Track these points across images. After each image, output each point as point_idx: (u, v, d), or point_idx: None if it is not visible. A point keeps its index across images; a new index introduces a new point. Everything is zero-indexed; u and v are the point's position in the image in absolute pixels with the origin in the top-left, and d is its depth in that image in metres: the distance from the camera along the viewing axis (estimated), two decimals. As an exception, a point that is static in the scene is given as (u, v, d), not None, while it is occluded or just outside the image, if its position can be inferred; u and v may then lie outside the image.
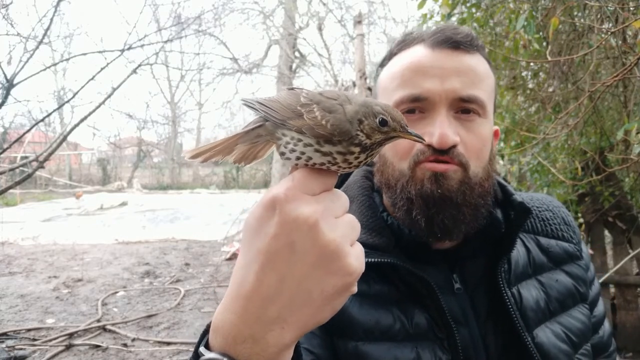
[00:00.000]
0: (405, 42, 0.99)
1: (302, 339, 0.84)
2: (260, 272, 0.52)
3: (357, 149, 0.56)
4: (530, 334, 0.93)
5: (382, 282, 0.96)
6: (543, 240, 1.06)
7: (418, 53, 0.95)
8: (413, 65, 0.94)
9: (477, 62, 0.95)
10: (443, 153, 0.90)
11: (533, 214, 1.08)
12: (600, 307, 1.11)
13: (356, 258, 0.54)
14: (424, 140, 0.62)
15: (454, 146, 0.90)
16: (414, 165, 0.92)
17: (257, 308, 0.52)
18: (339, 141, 0.55)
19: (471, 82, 0.92)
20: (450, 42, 0.93)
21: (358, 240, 0.92)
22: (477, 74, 0.94)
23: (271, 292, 0.52)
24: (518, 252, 1.02)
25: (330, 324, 0.91)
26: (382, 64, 1.04)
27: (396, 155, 0.96)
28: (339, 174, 0.59)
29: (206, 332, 0.58)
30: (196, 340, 0.60)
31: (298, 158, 0.56)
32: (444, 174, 0.90)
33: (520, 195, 1.11)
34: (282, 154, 0.58)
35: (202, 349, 0.56)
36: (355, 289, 0.55)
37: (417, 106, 0.93)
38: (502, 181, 1.08)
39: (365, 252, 0.90)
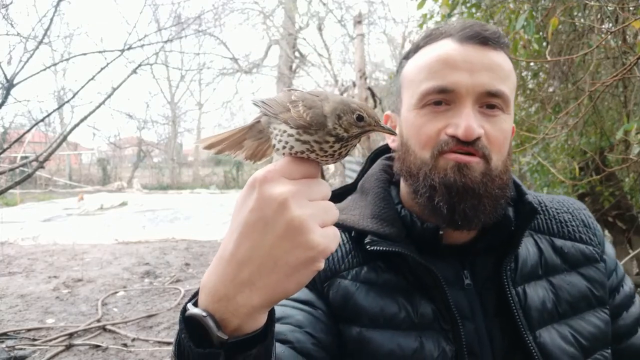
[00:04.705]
0: (432, 36, 1.00)
1: (305, 323, 0.91)
2: (238, 240, 0.60)
3: (331, 139, 0.64)
4: (532, 334, 0.93)
5: (391, 271, 0.98)
6: (558, 242, 1.05)
7: (446, 47, 0.96)
8: (442, 58, 0.95)
9: (503, 59, 0.96)
10: (467, 144, 0.91)
11: (550, 215, 1.09)
12: (635, 308, 1.09)
13: (322, 236, 0.59)
14: (395, 133, 0.74)
15: (478, 138, 0.92)
16: (437, 154, 0.94)
17: (232, 270, 0.60)
18: (315, 131, 0.64)
19: (498, 78, 0.94)
20: (479, 37, 0.94)
21: (369, 230, 1.00)
22: (504, 70, 0.95)
23: (245, 257, 0.59)
24: (528, 252, 1.02)
25: (337, 310, 0.97)
26: (407, 57, 1.05)
27: (419, 143, 0.97)
28: (321, 164, 0.66)
29: (197, 293, 0.65)
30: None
31: (284, 147, 0.65)
32: (468, 164, 0.92)
33: (539, 197, 1.11)
34: (273, 146, 0.68)
35: (189, 305, 0.63)
36: (320, 265, 0.60)
37: (444, 98, 0.94)
38: (517, 180, 1.09)
39: (376, 241, 0.98)
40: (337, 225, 1.05)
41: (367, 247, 0.97)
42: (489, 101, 0.94)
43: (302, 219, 0.58)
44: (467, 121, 0.90)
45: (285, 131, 0.65)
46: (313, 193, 0.61)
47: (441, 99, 0.94)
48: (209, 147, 0.73)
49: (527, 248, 1.02)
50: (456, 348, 0.91)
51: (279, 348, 0.84)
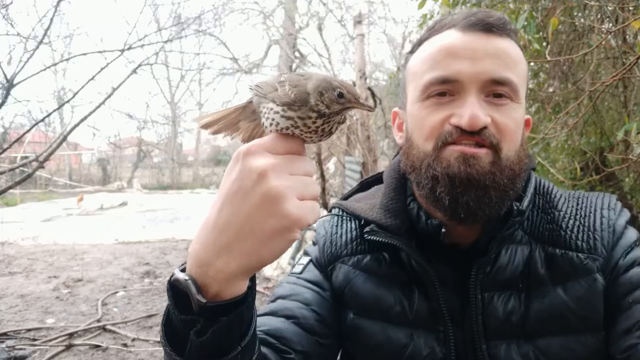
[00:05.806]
0: (436, 28, 0.97)
1: (312, 301, 0.96)
2: (220, 207, 0.64)
3: (314, 115, 0.67)
4: (486, 342, 0.89)
5: (394, 264, 0.98)
6: (552, 251, 0.94)
7: (449, 37, 0.93)
8: (444, 48, 0.92)
9: (509, 46, 0.92)
10: (473, 134, 0.87)
11: (554, 218, 0.97)
12: None
13: (297, 207, 0.61)
14: (373, 109, 0.79)
15: (485, 127, 0.87)
16: (441, 146, 0.89)
17: (214, 236, 0.63)
18: (299, 107, 0.67)
19: (504, 65, 0.89)
20: (483, 24, 0.90)
21: (372, 219, 1.01)
22: (510, 57, 0.91)
23: (224, 224, 0.63)
24: (512, 261, 0.93)
25: (337, 294, 1.00)
26: (412, 51, 1.02)
27: (422, 135, 0.93)
28: (308, 141, 0.69)
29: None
30: None
31: (270, 124, 0.69)
32: (475, 155, 0.87)
33: (562, 194, 1.02)
34: (262, 124, 0.71)
35: (175, 270, 0.67)
36: (296, 236, 0.63)
37: (448, 89, 0.90)
38: (542, 189, 1.02)
39: (375, 231, 0.99)
40: (348, 213, 1.08)
41: (365, 236, 0.98)
42: (495, 89, 0.89)
43: (278, 189, 0.60)
44: (471, 110, 0.86)
45: (272, 109, 0.69)
46: (295, 168, 0.64)
47: (445, 89, 0.90)
48: (205, 126, 0.77)
49: (513, 256, 0.93)
50: (447, 351, 0.91)
51: (282, 323, 0.89)
